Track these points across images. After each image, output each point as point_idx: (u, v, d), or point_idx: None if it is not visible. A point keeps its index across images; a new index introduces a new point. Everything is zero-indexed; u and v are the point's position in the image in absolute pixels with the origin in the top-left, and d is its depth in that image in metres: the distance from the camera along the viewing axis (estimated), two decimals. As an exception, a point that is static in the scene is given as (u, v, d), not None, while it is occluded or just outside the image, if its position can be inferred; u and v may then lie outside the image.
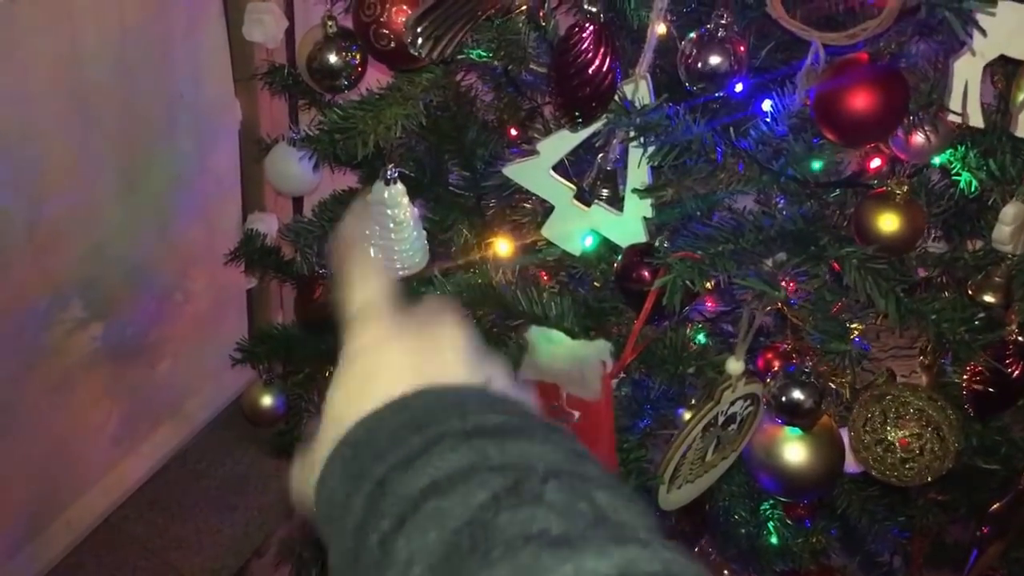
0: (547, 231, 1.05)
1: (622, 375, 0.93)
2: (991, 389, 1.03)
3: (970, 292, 0.95)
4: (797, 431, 1.05)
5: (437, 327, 0.50)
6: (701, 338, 1.09)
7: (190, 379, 2.01)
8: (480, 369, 0.49)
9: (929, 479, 0.92)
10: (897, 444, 0.91)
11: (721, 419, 0.97)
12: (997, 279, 0.93)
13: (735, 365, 0.90)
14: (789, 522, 1.39)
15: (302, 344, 1.47)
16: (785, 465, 1.08)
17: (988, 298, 0.93)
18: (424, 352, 0.48)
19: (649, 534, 0.35)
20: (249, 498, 2.14)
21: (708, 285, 0.96)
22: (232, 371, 1.55)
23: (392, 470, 0.40)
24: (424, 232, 1.10)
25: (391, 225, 1.05)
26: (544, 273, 1.18)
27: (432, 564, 0.36)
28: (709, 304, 1.19)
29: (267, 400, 1.54)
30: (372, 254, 1.08)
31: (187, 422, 2.06)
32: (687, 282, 0.83)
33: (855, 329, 0.90)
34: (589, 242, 1.02)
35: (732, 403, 0.97)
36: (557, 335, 0.96)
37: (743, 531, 1.32)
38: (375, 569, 0.38)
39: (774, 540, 1.34)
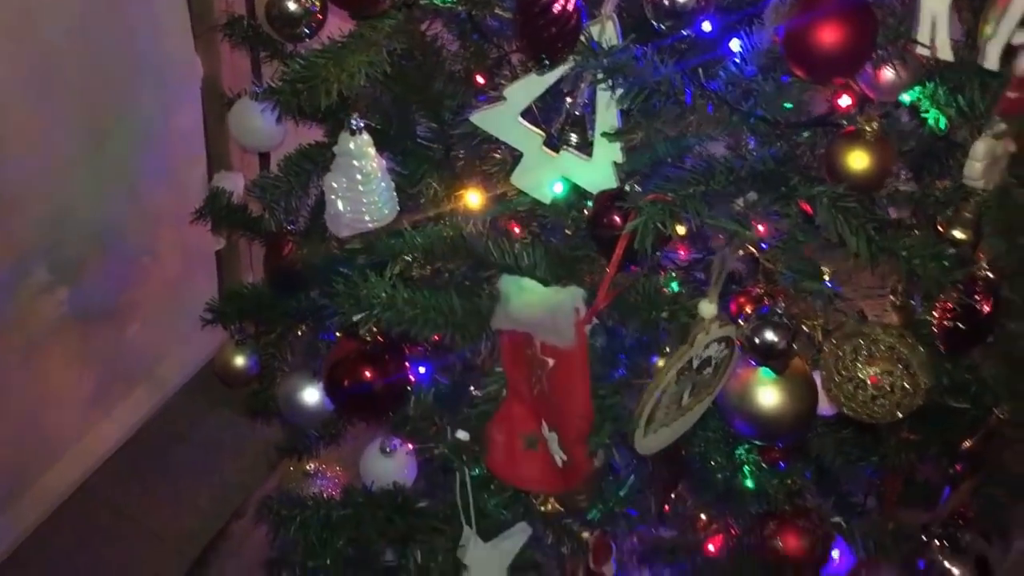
0: (516, 179, 1.04)
1: (595, 322, 0.93)
2: (961, 325, 1.04)
3: (940, 229, 0.95)
4: (771, 375, 1.05)
5: None
6: (674, 286, 1.09)
7: (162, 342, 1.99)
8: None
9: (899, 415, 0.93)
10: (868, 381, 0.91)
11: (696, 363, 0.96)
12: (966, 215, 0.93)
13: (708, 308, 0.89)
14: (764, 466, 1.40)
15: (273, 303, 1.46)
16: (759, 409, 1.08)
17: (958, 234, 0.93)
18: None
19: None
20: (227, 460, 2.13)
21: (680, 230, 0.95)
22: (204, 333, 1.53)
23: None
24: (392, 184, 1.08)
25: (358, 177, 1.04)
26: (516, 224, 1.17)
27: None
28: (682, 253, 1.19)
29: (239, 360, 1.52)
30: (340, 208, 1.07)
31: (160, 386, 2.04)
32: (658, 224, 0.82)
33: (826, 271, 0.90)
34: (559, 189, 1.01)
35: (706, 347, 0.96)
36: (529, 284, 0.95)
37: (719, 476, 1.33)
38: None
39: (749, 484, 1.35)
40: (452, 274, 1.12)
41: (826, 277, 0.89)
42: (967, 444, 1.26)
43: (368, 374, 0.97)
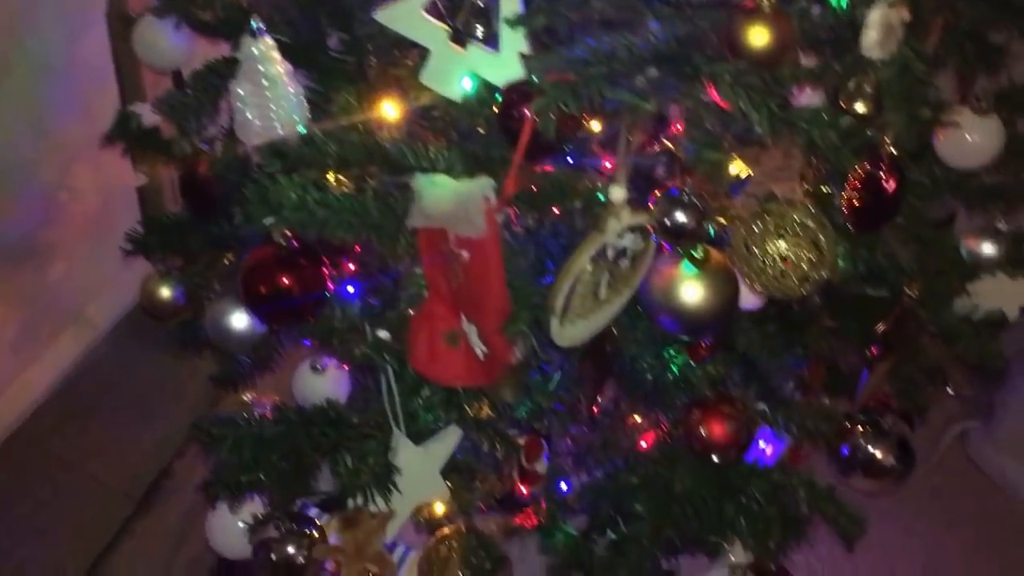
0: (425, 78, 1.03)
1: (506, 211, 0.93)
2: (868, 203, 1.07)
3: (842, 104, 0.96)
4: (693, 270, 1.07)
5: None
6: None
7: (87, 282, 1.95)
8: None
9: (808, 289, 0.95)
10: (776, 256, 0.93)
11: (611, 254, 0.97)
12: (867, 88, 0.94)
13: (616, 192, 0.90)
14: (692, 364, 1.43)
15: (196, 230, 1.44)
16: (682, 304, 1.10)
17: (859, 107, 0.95)
18: None
19: None
20: (167, 401, 2.11)
21: (596, 125, 0.96)
22: (134, 273, 1.50)
23: None
24: (301, 89, 1.07)
25: (264, 82, 1.02)
26: (430, 130, 1.17)
27: None
28: (607, 164, 1.20)
29: (165, 292, 1.50)
30: (248, 116, 1.05)
31: (90, 327, 2.01)
32: (561, 105, 0.82)
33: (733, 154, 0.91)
34: (468, 85, 1.01)
35: (621, 236, 0.97)
36: (441, 179, 0.95)
37: (648, 377, 1.36)
38: None
39: (674, 370, 1.38)
40: (366, 180, 1.11)
41: (734, 159, 0.90)
42: (882, 327, 1.30)
43: (285, 280, 0.97)
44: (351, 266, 1.25)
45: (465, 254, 0.92)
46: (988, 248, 1.26)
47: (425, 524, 1.32)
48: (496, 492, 1.28)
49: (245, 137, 1.05)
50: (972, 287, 1.39)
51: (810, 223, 0.92)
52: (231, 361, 1.51)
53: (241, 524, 1.25)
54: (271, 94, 1.03)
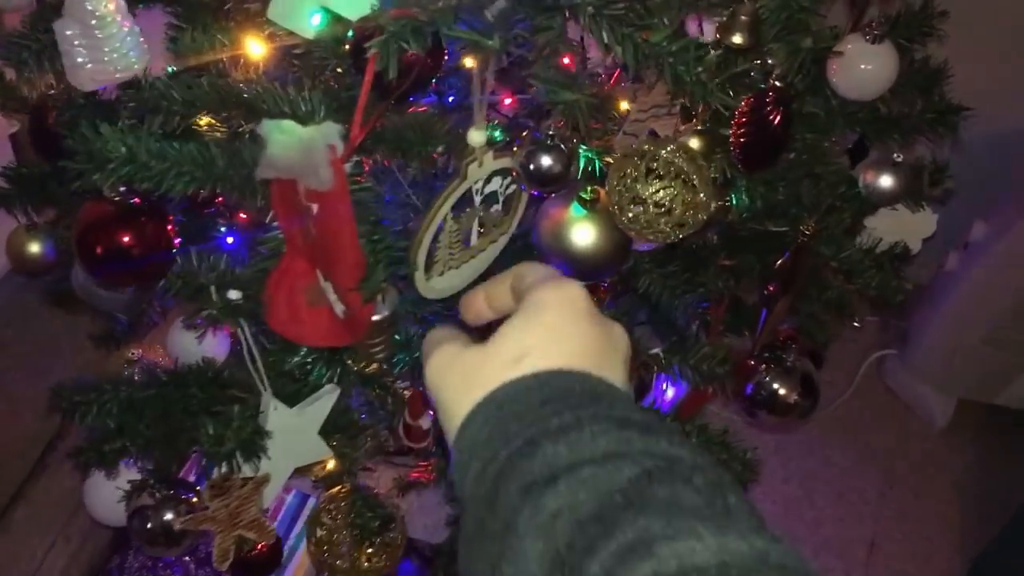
0: (273, 13, 0.95)
1: (356, 159, 0.86)
2: (754, 139, 1.02)
3: (718, 36, 0.90)
4: (582, 212, 1.01)
5: (612, 326, 0.53)
6: (497, 135, 1.03)
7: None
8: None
9: (684, 233, 0.90)
10: (649, 200, 0.88)
11: (478, 199, 0.91)
12: (743, 18, 0.88)
13: (476, 135, 0.83)
14: (592, 306, 1.39)
15: (58, 182, 1.34)
16: (573, 246, 1.05)
17: (736, 39, 0.89)
18: (597, 340, 0.51)
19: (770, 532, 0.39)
20: (63, 360, 2.02)
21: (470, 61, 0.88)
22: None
23: (544, 435, 0.44)
24: (138, 28, 0.97)
25: (92, 21, 0.92)
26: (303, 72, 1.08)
27: (580, 519, 0.39)
28: (508, 100, 1.13)
29: (33, 247, 1.40)
30: (78, 59, 0.96)
31: (-23, 283, 1.90)
32: (402, 43, 0.75)
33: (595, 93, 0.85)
34: (317, 20, 0.92)
35: (487, 181, 0.91)
36: (288, 125, 0.87)
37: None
38: (511, 513, 0.42)
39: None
40: (226, 123, 1.03)
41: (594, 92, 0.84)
42: (780, 262, 1.26)
43: (124, 239, 0.89)
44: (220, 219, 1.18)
45: (314, 207, 0.85)
46: (886, 181, 1.22)
47: (319, 480, 1.27)
48: (385, 448, 1.23)
49: (77, 81, 0.96)
50: (873, 220, 1.36)
51: (682, 163, 0.87)
52: (108, 319, 1.43)
53: (117, 491, 1.19)
54: (102, 33, 0.93)
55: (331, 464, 1.23)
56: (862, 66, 1.10)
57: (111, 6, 0.93)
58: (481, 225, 0.95)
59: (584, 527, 0.39)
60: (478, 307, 0.59)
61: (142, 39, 0.98)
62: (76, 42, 0.93)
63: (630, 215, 0.89)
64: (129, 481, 1.15)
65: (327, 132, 0.82)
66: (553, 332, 0.50)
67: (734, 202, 1.22)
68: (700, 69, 0.78)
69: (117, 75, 0.96)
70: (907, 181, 1.24)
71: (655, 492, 0.39)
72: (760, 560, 0.36)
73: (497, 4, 0.74)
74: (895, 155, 1.22)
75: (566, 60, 0.82)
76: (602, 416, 0.45)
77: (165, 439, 1.12)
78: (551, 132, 0.85)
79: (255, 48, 1.06)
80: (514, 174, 0.89)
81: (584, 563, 0.37)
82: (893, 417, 2.35)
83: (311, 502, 1.41)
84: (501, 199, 0.93)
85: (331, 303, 0.90)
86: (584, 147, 1.14)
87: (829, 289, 1.42)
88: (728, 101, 0.78)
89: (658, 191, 0.87)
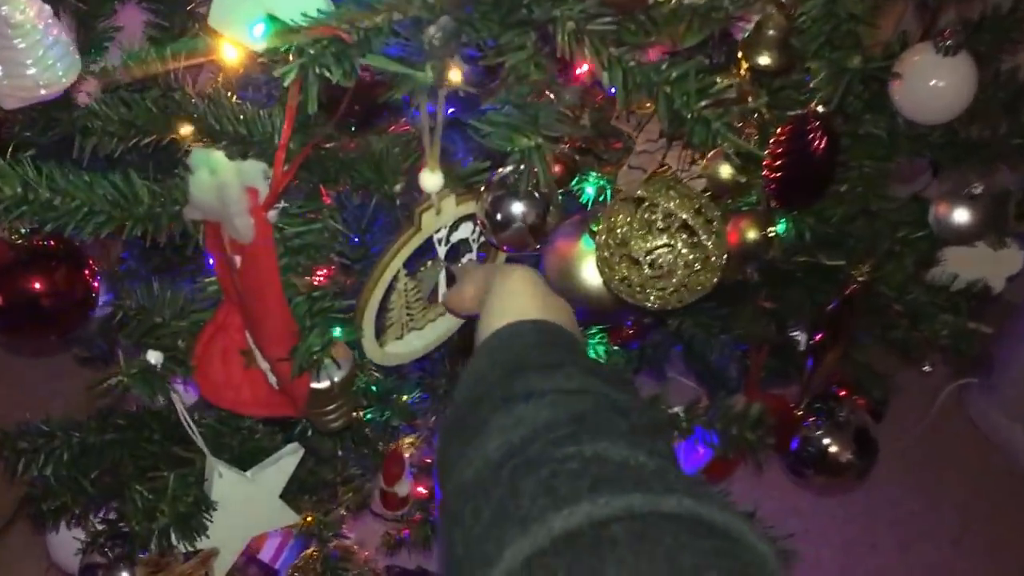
0: (214, 20, 0.80)
1: (281, 206, 0.71)
2: (791, 174, 0.84)
3: (741, 56, 0.72)
4: (592, 244, 0.85)
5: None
6: None
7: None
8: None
9: (687, 299, 0.73)
10: (643, 259, 0.71)
11: (442, 249, 0.76)
12: (771, 32, 0.70)
13: (429, 179, 0.68)
14: (616, 347, 1.23)
15: None
16: (584, 285, 0.90)
17: (762, 59, 0.72)
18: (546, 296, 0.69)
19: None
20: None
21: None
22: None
23: (529, 367, 0.57)
24: (69, 38, 0.84)
25: (7, 31, 0.79)
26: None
27: (536, 427, 0.51)
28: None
29: None
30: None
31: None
32: (323, 70, 0.60)
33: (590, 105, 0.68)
34: (260, 31, 0.78)
35: (450, 229, 0.75)
36: (218, 158, 0.73)
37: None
38: (488, 412, 0.54)
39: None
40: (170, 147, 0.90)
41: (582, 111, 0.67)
42: (828, 309, 1.08)
43: (30, 285, 0.76)
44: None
45: (238, 260, 0.71)
46: (962, 216, 1.03)
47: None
48: (369, 503, 1.09)
49: (-1, 100, 0.83)
50: (948, 251, 1.16)
51: (688, 216, 0.70)
52: (90, 341, 1.32)
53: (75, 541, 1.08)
54: (22, 44, 0.80)
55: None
56: (932, 83, 0.90)
57: (31, 11, 0.80)
58: (451, 279, 0.79)
59: (537, 431, 0.50)
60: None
61: (72, 48, 0.85)
62: (-10, 55, 0.80)
63: (620, 276, 0.73)
64: (76, 537, 1.04)
65: (245, 173, 0.67)
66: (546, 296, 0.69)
67: (780, 231, 1.04)
68: (704, 103, 0.61)
69: (42, 91, 0.83)
70: (987, 215, 1.04)
71: (597, 419, 0.51)
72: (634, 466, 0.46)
73: (440, 22, 0.58)
74: (973, 185, 1.02)
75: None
76: (576, 362, 0.58)
77: (116, 494, 1.00)
78: (517, 175, 0.68)
79: (212, 57, 0.93)
80: (477, 224, 0.73)
81: (528, 450, 0.49)
82: (972, 453, 2.12)
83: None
84: (475, 246, 0.77)
85: (264, 370, 0.76)
86: (594, 174, 0.98)
87: (894, 328, 1.22)
88: (739, 144, 0.61)
89: (656, 249, 0.70)
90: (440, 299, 0.78)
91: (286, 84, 0.61)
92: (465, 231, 0.75)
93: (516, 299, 0.66)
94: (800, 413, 1.23)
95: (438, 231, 0.72)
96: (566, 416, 0.51)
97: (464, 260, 0.77)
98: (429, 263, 0.74)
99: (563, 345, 0.62)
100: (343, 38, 0.60)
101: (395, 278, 0.72)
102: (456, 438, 0.55)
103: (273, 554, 1.25)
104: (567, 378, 0.56)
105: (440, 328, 0.81)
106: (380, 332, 0.75)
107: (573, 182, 1.00)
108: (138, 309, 0.97)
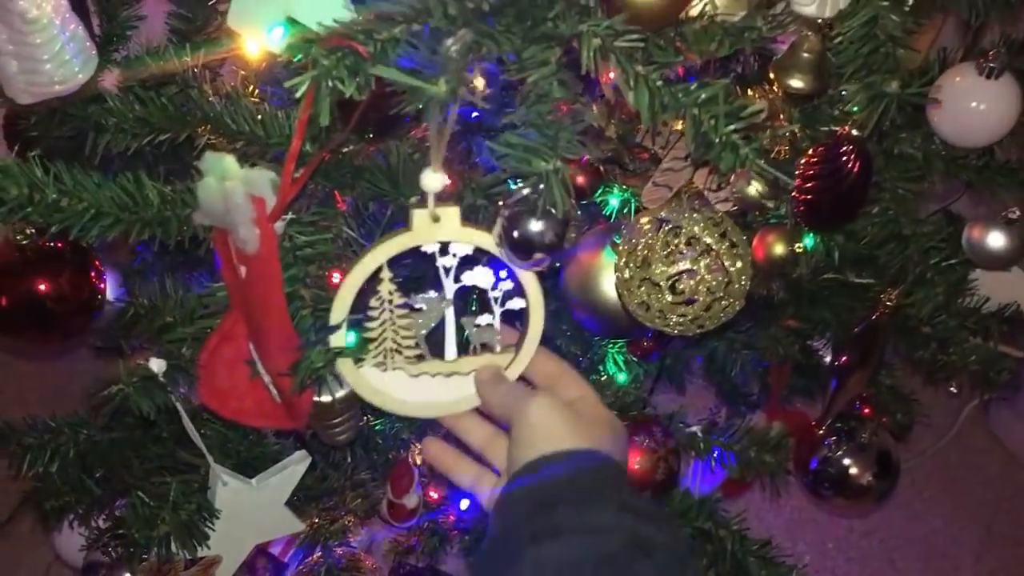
0: (233, 21, 0.79)
1: (289, 217, 0.69)
2: (821, 196, 0.81)
3: (772, 76, 0.70)
4: (614, 256, 0.82)
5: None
6: None
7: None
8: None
9: (707, 327, 0.70)
10: (663, 283, 0.68)
11: (448, 281, 0.70)
12: (805, 55, 0.67)
13: (432, 178, 0.63)
14: (634, 359, 1.20)
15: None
16: (605, 299, 0.87)
17: (796, 83, 0.69)
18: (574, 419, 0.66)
19: None
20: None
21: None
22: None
23: (561, 502, 0.58)
24: (85, 33, 0.82)
25: (22, 26, 0.78)
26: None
27: (564, 567, 0.53)
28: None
29: None
30: (10, 70, 0.82)
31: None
32: (336, 83, 0.57)
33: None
34: (279, 34, 0.76)
35: (466, 267, 0.70)
36: (229, 163, 0.70)
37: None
38: (519, 548, 0.55)
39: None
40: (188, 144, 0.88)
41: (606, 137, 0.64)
42: (855, 331, 1.04)
43: (39, 286, 0.75)
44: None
45: (243, 270, 0.69)
46: (996, 240, 0.99)
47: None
48: (379, 509, 1.08)
49: (12, 94, 0.82)
50: (979, 277, 1.12)
51: (713, 241, 0.67)
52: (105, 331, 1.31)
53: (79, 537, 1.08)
54: (38, 39, 0.79)
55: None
56: (972, 105, 0.87)
57: (47, 6, 0.78)
58: (465, 338, 0.73)
59: (564, 573, 0.52)
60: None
61: (88, 43, 0.83)
62: (5, 49, 0.79)
63: (639, 300, 0.70)
64: (82, 533, 1.03)
65: (252, 181, 0.65)
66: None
67: (808, 248, 1.01)
68: (732, 127, 0.58)
69: (57, 87, 0.82)
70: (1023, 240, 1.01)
71: (622, 563, 0.52)
72: None
73: (459, 34, 0.56)
74: (1010, 210, 0.98)
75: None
76: (607, 497, 0.58)
77: (120, 494, 0.99)
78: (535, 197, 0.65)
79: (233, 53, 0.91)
80: (495, 240, 0.69)
81: None
82: (996, 469, 2.07)
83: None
84: (497, 309, 0.72)
85: (267, 382, 0.74)
86: (618, 186, 0.96)
87: (921, 349, 1.19)
88: (769, 172, 0.58)
89: (678, 274, 0.67)
90: (447, 356, 0.73)
91: (297, 96, 0.58)
92: (482, 278, 0.70)
93: (540, 431, 0.64)
94: (821, 433, 1.20)
95: (443, 255, 0.68)
96: (593, 558, 0.53)
97: (482, 321, 0.72)
98: (432, 294, 0.70)
99: (594, 475, 0.61)
100: (359, 50, 0.58)
101: (379, 280, 0.68)
102: (488, 570, 0.58)
103: (282, 548, 1.25)
104: (597, 514, 0.56)
105: (428, 393, 0.72)
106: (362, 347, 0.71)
107: (597, 193, 0.98)
108: (149, 307, 0.96)
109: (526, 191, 0.59)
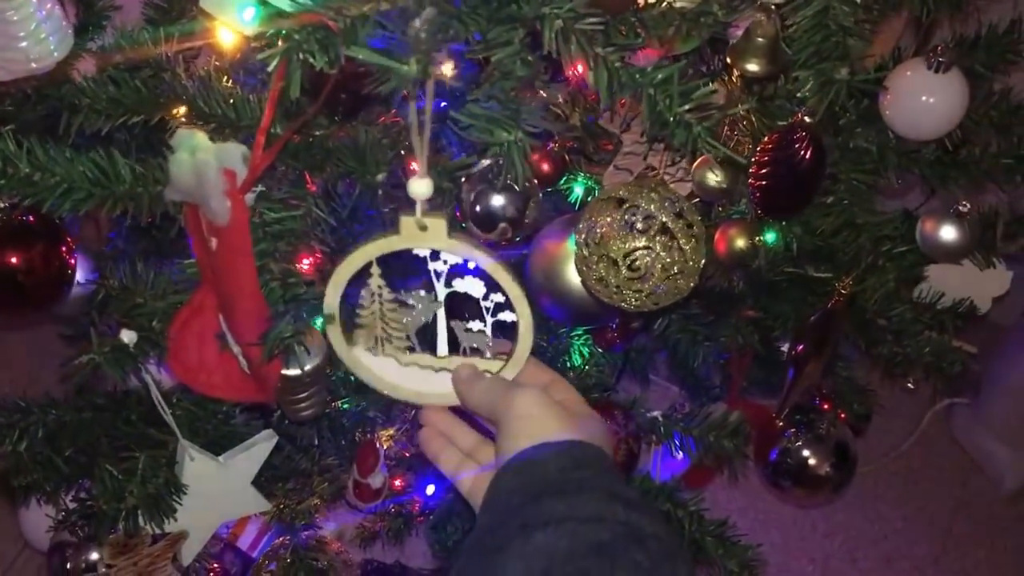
0: (205, 1, 0.80)
1: (258, 190, 0.71)
2: (776, 183, 0.84)
3: (729, 61, 0.72)
4: None
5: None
6: None
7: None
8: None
9: (662, 303, 0.73)
10: (620, 260, 0.71)
11: (439, 284, 0.72)
12: (760, 40, 0.70)
13: (419, 185, 0.65)
14: (599, 349, 1.22)
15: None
16: (569, 286, 0.89)
17: (751, 66, 0.71)
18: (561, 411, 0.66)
19: None
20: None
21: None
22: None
23: (549, 493, 0.58)
24: (61, 12, 0.84)
25: (0, 3, 0.79)
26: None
27: (554, 558, 0.53)
28: None
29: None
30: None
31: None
32: (307, 55, 0.60)
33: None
34: (249, 15, 0.77)
35: (457, 275, 0.72)
36: (200, 139, 0.72)
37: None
38: (507, 540, 0.55)
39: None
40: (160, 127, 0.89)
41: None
42: (810, 320, 1.07)
43: (11, 259, 0.76)
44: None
45: (214, 242, 0.70)
46: (948, 233, 1.02)
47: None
48: (334, 497, 1.09)
49: (-12, 72, 0.83)
50: (935, 270, 1.16)
51: (668, 219, 0.70)
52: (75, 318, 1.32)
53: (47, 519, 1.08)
54: (17, 16, 0.80)
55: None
56: (922, 98, 0.90)
57: (23, -15, 0.80)
58: (455, 338, 0.75)
59: (555, 562, 0.52)
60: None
61: (65, 22, 0.84)
62: (-20, 28, 0.80)
63: (597, 276, 0.72)
64: (48, 515, 1.03)
65: (223, 154, 0.67)
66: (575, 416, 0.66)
67: (767, 242, 1.04)
68: (686, 107, 0.61)
69: (33, 65, 0.83)
70: (975, 234, 1.04)
71: (615, 551, 0.52)
72: None
73: (426, 14, 0.58)
74: (961, 203, 1.02)
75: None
76: (598, 486, 0.58)
77: (88, 473, 0.99)
78: (497, 169, 0.67)
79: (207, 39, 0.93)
80: (459, 219, 0.72)
81: None
82: (956, 474, 2.11)
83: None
84: (488, 318, 0.72)
85: (237, 354, 0.76)
86: (583, 174, 0.98)
87: (879, 344, 1.22)
88: (719, 149, 0.60)
89: (634, 251, 0.70)
90: (438, 352, 0.74)
91: (270, 68, 0.60)
92: (474, 287, 0.72)
93: (529, 423, 0.64)
94: (781, 424, 1.23)
95: (434, 260, 0.69)
96: (585, 547, 0.52)
97: (473, 327, 0.73)
98: (422, 293, 0.72)
99: (584, 465, 0.61)
100: (329, 26, 0.60)
101: (369, 274, 0.70)
102: (476, 560, 0.57)
103: (251, 542, 1.25)
104: (587, 504, 0.56)
105: (419, 383, 0.74)
106: (351, 328, 0.73)
107: (562, 181, 1.01)
108: (120, 288, 0.97)
109: (487, 162, 0.62)
